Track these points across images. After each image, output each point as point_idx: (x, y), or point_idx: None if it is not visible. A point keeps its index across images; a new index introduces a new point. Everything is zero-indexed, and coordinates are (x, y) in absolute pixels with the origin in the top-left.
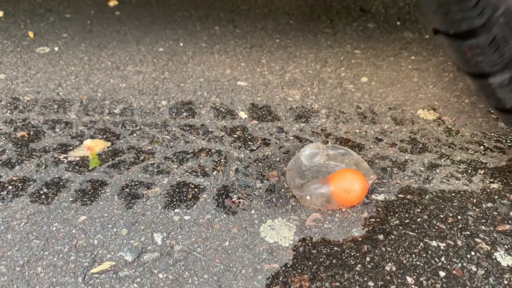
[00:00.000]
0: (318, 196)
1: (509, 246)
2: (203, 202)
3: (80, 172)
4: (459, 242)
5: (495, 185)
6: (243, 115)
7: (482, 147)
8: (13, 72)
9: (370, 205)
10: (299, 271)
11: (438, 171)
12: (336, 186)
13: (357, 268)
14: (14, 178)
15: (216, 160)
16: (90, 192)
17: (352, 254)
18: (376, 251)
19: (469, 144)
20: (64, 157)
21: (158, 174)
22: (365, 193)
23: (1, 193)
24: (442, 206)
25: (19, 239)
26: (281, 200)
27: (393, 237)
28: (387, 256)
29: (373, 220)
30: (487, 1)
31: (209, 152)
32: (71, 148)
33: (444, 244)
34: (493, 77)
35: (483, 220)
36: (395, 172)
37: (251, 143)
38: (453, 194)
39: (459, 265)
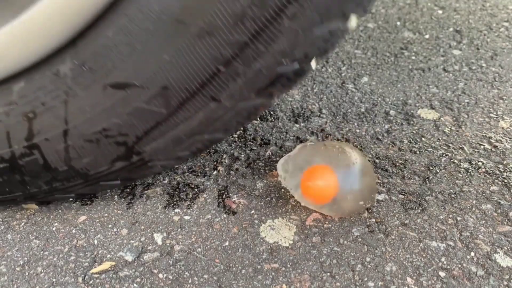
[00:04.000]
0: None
1: (508, 247)
2: (203, 202)
3: None
4: (459, 243)
5: (495, 187)
6: None
7: (482, 147)
8: None
9: (370, 205)
10: (299, 271)
11: (438, 171)
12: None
13: (357, 268)
14: None
15: (216, 160)
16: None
17: (352, 254)
18: (376, 251)
19: (469, 144)
20: None
21: (158, 174)
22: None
23: None
24: (442, 207)
25: (19, 239)
26: (281, 200)
27: (393, 237)
28: (387, 256)
29: (373, 220)
30: None
31: (209, 152)
32: None
33: (444, 245)
34: None
35: (483, 221)
36: (395, 172)
37: (251, 143)
38: (453, 194)
39: (459, 265)
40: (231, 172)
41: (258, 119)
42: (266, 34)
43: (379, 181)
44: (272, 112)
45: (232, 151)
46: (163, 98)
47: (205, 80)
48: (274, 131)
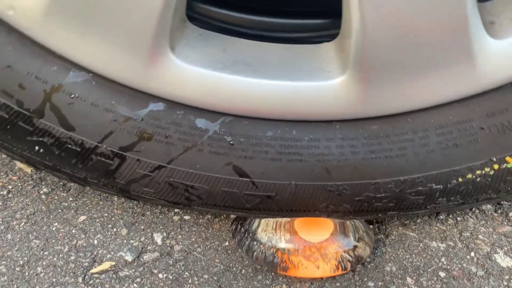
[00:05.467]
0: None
1: (508, 247)
2: None
3: None
4: (459, 243)
5: None
6: None
7: None
8: None
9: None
10: None
11: None
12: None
13: (357, 268)
14: (14, 178)
15: None
16: (90, 192)
17: None
18: (376, 251)
19: None
20: None
21: None
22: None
23: (1, 192)
24: None
25: (19, 239)
26: None
27: (393, 237)
28: (387, 256)
29: (373, 220)
30: None
31: None
32: None
33: (444, 245)
34: None
35: (483, 221)
36: None
37: None
38: None
39: (459, 266)
40: None
41: None
42: None
43: None
44: None
45: None
46: (258, 200)
47: None
48: None
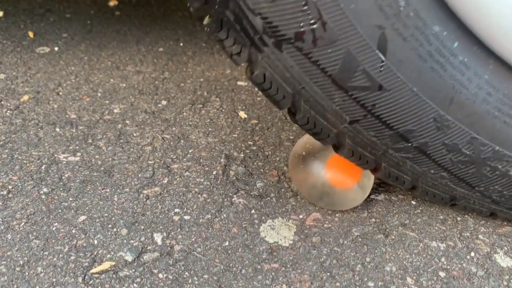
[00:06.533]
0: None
1: (508, 247)
2: (203, 202)
3: (80, 172)
4: (459, 243)
5: None
6: (243, 115)
7: None
8: (13, 72)
9: (370, 205)
10: (299, 271)
11: None
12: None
13: (357, 268)
14: (14, 178)
15: (216, 159)
16: (90, 192)
17: (352, 254)
18: (376, 251)
19: None
20: (64, 157)
21: (158, 174)
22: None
23: (1, 192)
24: (442, 207)
25: (19, 239)
26: (281, 200)
27: (393, 237)
28: (387, 256)
29: (373, 220)
30: None
31: (210, 152)
32: (70, 147)
33: (444, 245)
34: None
35: (483, 222)
36: None
37: (251, 143)
38: None
39: (459, 266)
40: (231, 171)
41: (258, 119)
42: None
43: (379, 181)
44: (272, 112)
45: (232, 151)
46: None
47: None
48: (274, 131)
